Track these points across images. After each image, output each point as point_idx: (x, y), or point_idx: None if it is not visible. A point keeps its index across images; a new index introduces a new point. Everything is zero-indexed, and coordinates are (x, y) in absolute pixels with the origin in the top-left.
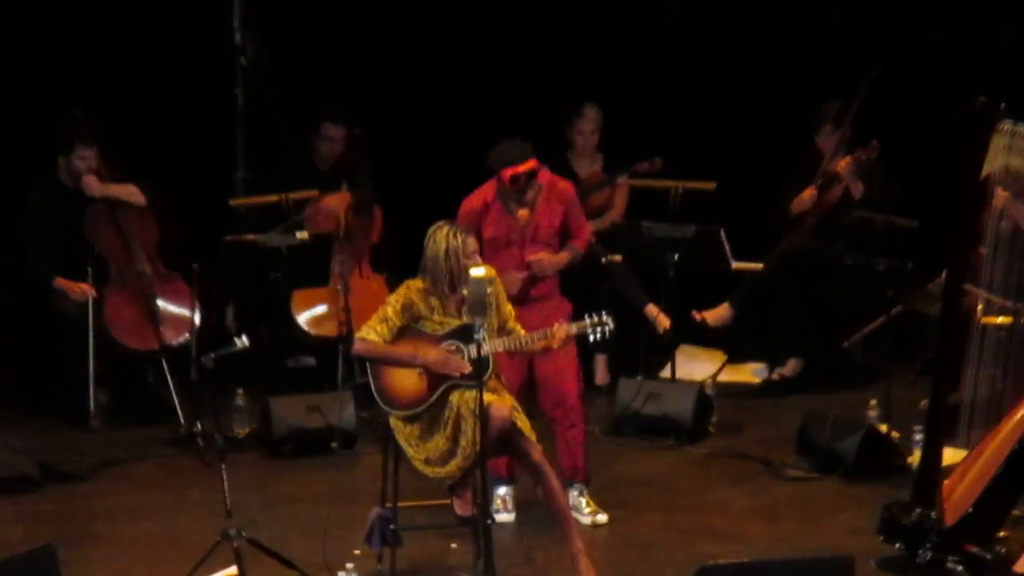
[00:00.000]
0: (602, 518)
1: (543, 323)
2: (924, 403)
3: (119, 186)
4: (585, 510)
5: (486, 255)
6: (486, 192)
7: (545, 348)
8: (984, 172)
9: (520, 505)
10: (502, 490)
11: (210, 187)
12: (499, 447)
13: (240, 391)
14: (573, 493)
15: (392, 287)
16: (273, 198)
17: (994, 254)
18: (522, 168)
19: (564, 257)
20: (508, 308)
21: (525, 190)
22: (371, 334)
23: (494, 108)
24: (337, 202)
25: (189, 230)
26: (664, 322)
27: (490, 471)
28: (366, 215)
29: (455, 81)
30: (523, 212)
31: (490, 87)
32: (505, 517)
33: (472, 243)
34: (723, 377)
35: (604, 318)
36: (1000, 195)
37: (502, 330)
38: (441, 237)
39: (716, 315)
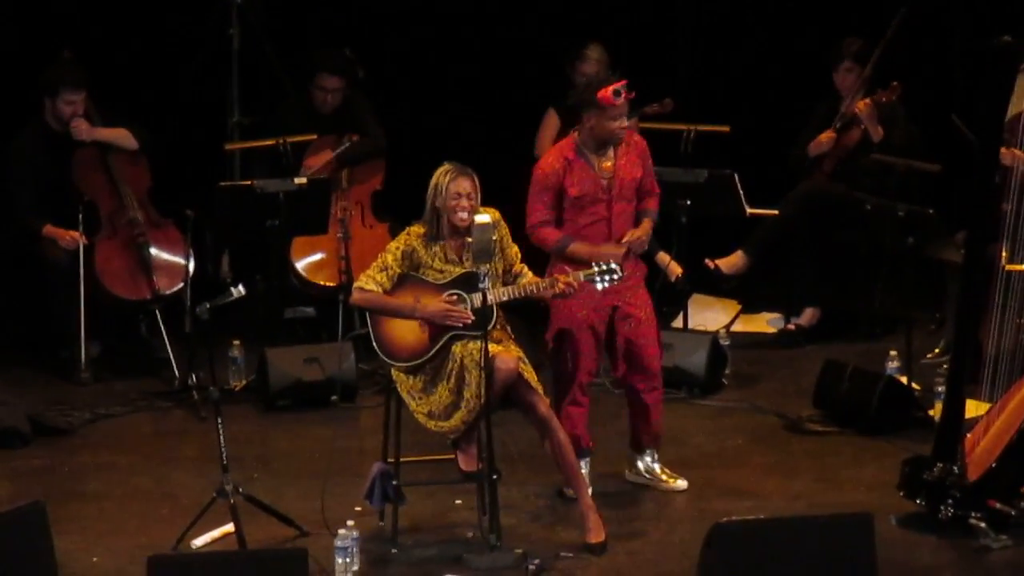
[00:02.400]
0: (682, 484)
1: (623, 285)
2: (931, 355)
3: (109, 130)
4: (663, 477)
5: (569, 213)
6: (564, 150)
7: (554, 296)
8: (1009, 114)
9: (526, 459)
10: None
11: (204, 131)
12: (505, 400)
13: (236, 342)
14: (647, 460)
15: (395, 235)
16: (270, 142)
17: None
18: (618, 83)
19: (649, 226)
20: (514, 249)
21: (623, 105)
22: (370, 283)
23: (501, 48)
24: (319, 161)
25: (182, 176)
26: (676, 270)
27: (572, 439)
28: (378, 160)
29: (461, 18)
30: (607, 164)
31: (498, 27)
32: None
33: (464, 184)
34: (737, 327)
35: (612, 265)
36: (1006, 153)
37: (507, 273)
38: (435, 175)
39: (730, 263)
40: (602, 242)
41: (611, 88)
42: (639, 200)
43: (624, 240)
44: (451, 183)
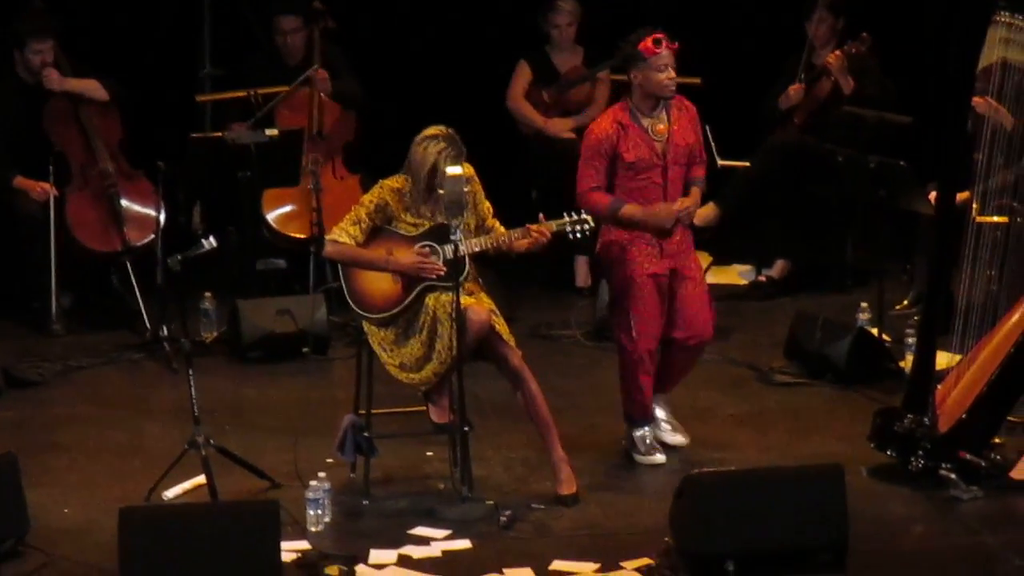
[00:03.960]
0: (681, 439)
1: (679, 246)
2: (900, 306)
3: (80, 81)
4: (666, 427)
5: (623, 179)
6: (617, 115)
7: (526, 247)
8: (981, 65)
9: (498, 411)
10: (639, 432)
11: (175, 83)
12: (477, 352)
13: (207, 294)
14: (658, 405)
15: (367, 188)
16: (241, 93)
17: (987, 158)
18: (659, 34)
19: (698, 195)
20: (486, 205)
21: (666, 55)
22: (342, 236)
23: (472, 2)
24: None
25: (154, 127)
26: None
27: (632, 412)
28: (353, 108)
29: None
30: (661, 127)
31: None
32: (648, 459)
33: (464, 169)
34: (709, 279)
35: (584, 216)
36: (980, 102)
37: (480, 229)
38: (432, 152)
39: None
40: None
41: (651, 38)
42: (690, 166)
43: (674, 208)
44: (447, 168)
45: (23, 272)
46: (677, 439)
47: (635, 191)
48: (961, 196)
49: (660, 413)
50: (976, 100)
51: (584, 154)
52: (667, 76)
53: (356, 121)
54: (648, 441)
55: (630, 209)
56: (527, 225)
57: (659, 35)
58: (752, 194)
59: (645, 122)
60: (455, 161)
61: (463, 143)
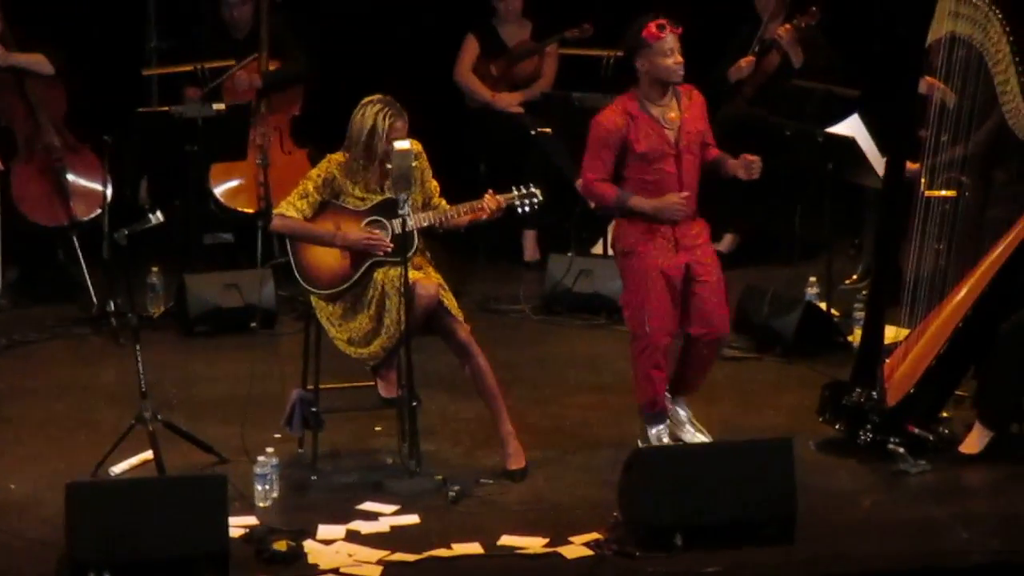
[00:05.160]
0: (703, 439)
1: (696, 239)
2: (848, 280)
3: (26, 55)
4: (690, 428)
5: (634, 170)
6: (626, 105)
7: (472, 220)
8: (929, 39)
9: (446, 385)
10: (653, 431)
11: (122, 56)
12: (425, 326)
13: (154, 268)
14: (679, 406)
15: (315, 162)
16: (187, 67)
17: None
18: (663, 19)
19: (734, 160)
20: (433, 184)
21: (671, 39)
22: (290, 210)
23: None
24: (247, 75)
25: (100, 101)
26: None
27: (643, 407)
28: (300, 83)
29: None
30: (672, 115)
31: None
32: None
33: (401, 126)
34: None
35: (532, 190)
36: (922, 81)
37: (427, 206)
38: (370, 114)
39: None
40: None
41: (654, 23)
42: (703, 152)
43: (743, 173)
44: (391, 129)
45: None
46: (700, 439)
47: (650, 184)
48: (911, 166)
49: (682, 414)
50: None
51: (591, 145)
52: (674, 60)
53: (303, 95)
54: (664, 440)
55: (637, 200)
56: (474, 201)
57: (662, 20)
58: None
59: (655, 111)
60: (396, 120)
61: (409, 114)
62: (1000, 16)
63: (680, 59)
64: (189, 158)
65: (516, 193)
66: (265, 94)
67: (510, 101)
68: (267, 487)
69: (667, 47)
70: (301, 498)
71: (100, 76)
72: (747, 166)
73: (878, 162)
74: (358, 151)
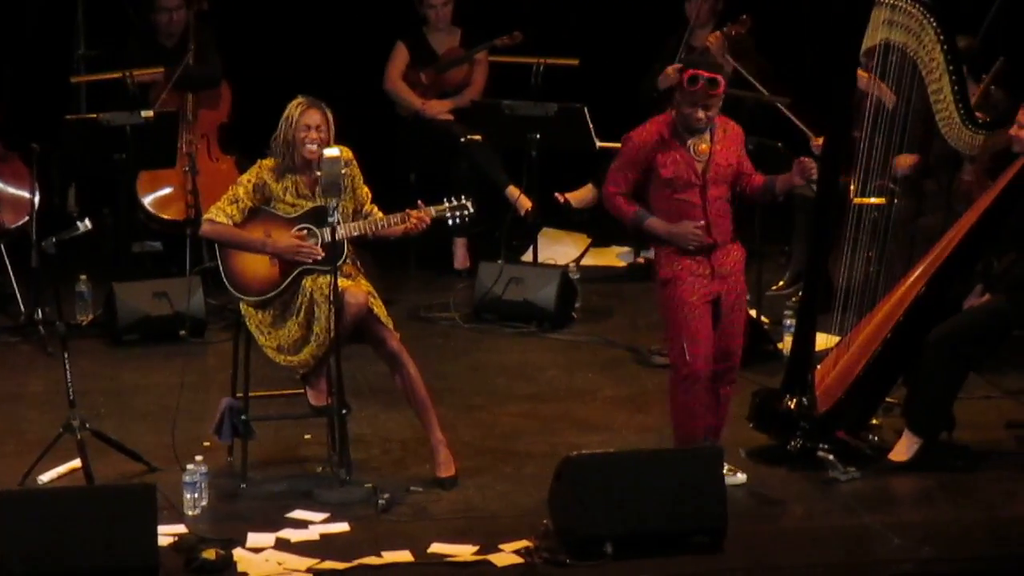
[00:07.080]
0: (741, 477)
1: (732, 267)
2: (776, 287)
3: None
4: (724, 471)
5: (661, 197)
6: (660, 126)
7: (405, 232)
8: (864, 47)
9: (377, 393)
10: None
11: (50, 64)
12: (355, 335)
13: (83, 277)
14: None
15: (243, 169)
16: (116, 75)
17: (867, 136)
18: (706, 73)
19: (775, 179)
20: (365, 191)
21: (700, 95)
22: (220, 215)
23: None
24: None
25: (28, 109)
26: (526, 204)
27: (678, 444)
28: (210, 89)
29: None
30: (703, 147)
31: None
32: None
33: (314, 116)
34: (587, 261)
35: (463, 201)
36: (862, 76)
37: (358, 214)
38: (288, 107)
39: (580, 196)
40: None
41: (692, 72)
42: (743, 181)
43: (800, 179)
44: (301, 115)
45: None
46: (737, 479)
47: (674, 212)
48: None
49: None
50: (860, 73)
51: (620, 157)
52: (695, 114)
53: (230, 103)
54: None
55: (653, 222)
56: (407, 211)
57: (701, 72)
58: None
59: (689, 140)
60: (309, 108)
61: (340, 122)
62: (935, 24)
63: (702, 114)
64: (118, 166)
65: (447, 205)
66: (181, 88)
67: (440, 109)
68: (196, 495)
69: (693, 99)
70: (230, 506)
71: (28, 83)
72: (802, 171)
73: None
74: (278, 146)
